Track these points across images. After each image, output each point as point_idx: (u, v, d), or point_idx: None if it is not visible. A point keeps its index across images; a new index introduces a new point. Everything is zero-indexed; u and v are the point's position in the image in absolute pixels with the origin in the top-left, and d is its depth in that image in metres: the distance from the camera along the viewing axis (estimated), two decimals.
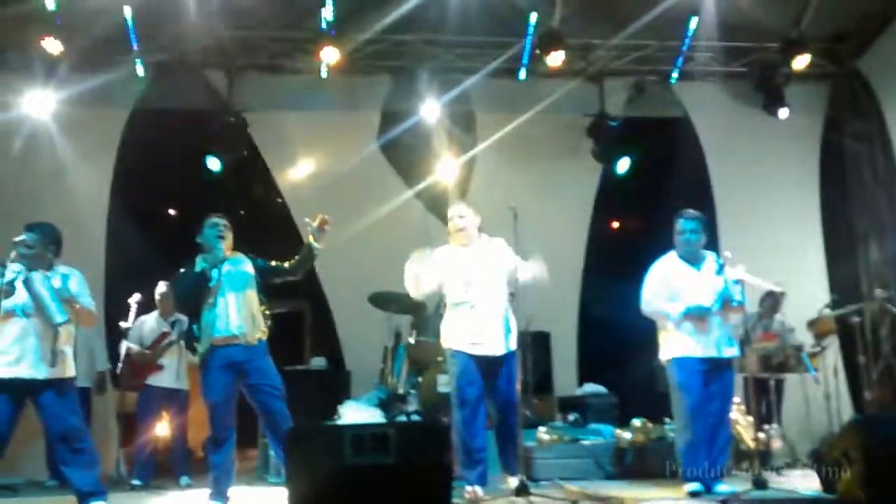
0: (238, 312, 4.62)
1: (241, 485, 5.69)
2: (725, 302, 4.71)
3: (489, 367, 4.77)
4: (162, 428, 6.85)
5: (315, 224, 4.80)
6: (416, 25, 7.51)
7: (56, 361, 4.38)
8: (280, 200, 8.37)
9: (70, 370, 4.54)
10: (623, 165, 8.35)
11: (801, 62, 7.76)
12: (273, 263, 4.93)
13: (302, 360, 8.30)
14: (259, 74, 8.21)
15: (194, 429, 7.06)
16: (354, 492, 3.45)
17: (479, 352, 4.75)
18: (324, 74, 7.79)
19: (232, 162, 7.95)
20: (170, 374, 6.75)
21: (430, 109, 7.95)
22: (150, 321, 6.92)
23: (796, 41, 7.73)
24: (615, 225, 9.93)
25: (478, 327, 4.76)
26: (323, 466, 3.49)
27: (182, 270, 4.79)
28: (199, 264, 4.69)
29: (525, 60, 7.90)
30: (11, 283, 4.32)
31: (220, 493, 4.57)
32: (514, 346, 4.80)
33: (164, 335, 6.83)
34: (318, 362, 7.71)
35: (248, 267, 4.79)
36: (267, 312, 4.78)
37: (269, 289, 4.90)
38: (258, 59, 8.10)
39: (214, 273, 4.66)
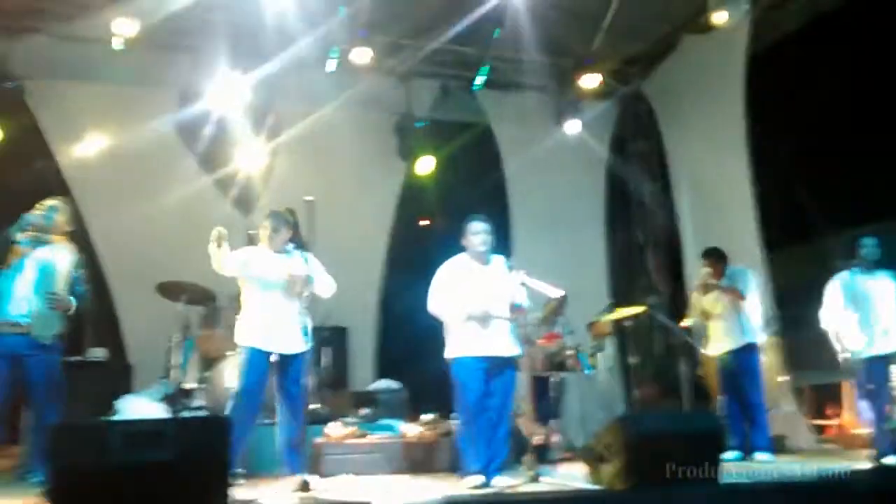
0: (32, 300, 4.25)
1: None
2: (510, 303, 4.92)
3: (279, 365, 4.81)
4: None
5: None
6: (222, 4, 7.22)
7: None
8: (60, 179, 7.73)
9: None
10: (424, 166, 8.52)
11: (590, 81, 8.28)
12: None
13: (79, 350, 7.72)
14: (44, 39, 7.52)
15: None
16: (125, 491, 3.23)
17: (270, 349, 4.80)
18: (117, 46, 7.27)
19: (5, 133, 7.27)
20: None
21: (233, 94, 7.66)
22: None
23: (588, 61, 8.24)
24: (417, 224, 10.09)
25: (272, 325, 4.82)
26: (89, 465, 3.25)
27: None
28: (9, 232, 4.37)
29: (333, 53, 7.80)
30: None
31: None
32: (306, 346, 4.79)
33: None
34: (96, 353, 7.20)
35: (66, 261, 4.47)
36: (68, 311, 4.43)
37: None
38: (43, 22, 7.42)
39: (25, 242, 4.35)
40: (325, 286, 5.09)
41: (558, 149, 9.11)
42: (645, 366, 8.98)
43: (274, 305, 4.85)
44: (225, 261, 4.75)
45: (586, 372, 7.03)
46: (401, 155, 8.66)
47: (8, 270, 4.34)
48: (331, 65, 7.76)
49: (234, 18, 7.53)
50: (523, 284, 4.95)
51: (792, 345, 7.49)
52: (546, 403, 6.66)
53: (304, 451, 4.81)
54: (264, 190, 8.32)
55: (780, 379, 7.29)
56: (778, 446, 6.47)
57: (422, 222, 9.62)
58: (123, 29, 7.01)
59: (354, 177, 8.55)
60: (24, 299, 4.31)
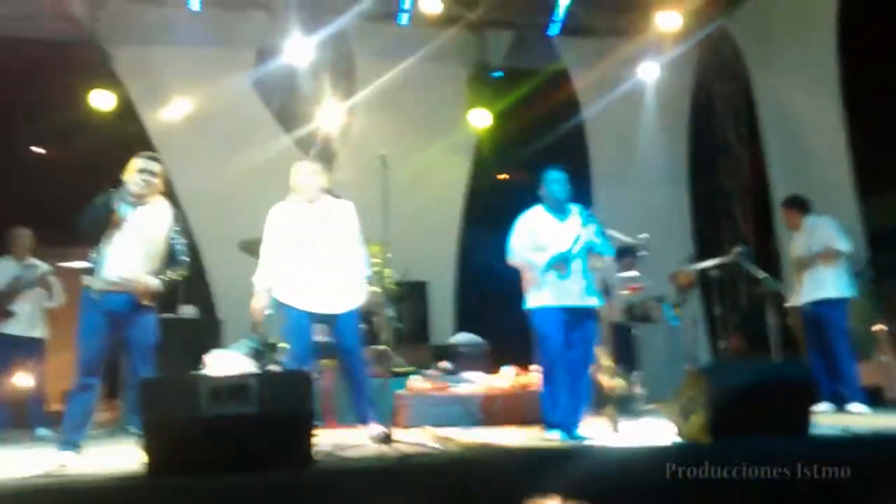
0: (131, 261, 4.38)
1: (101, 436, 5.52)
2: (590, 251, 4.84)
3: (322, 324, 4.79)
4: (18, 377, 6.50)
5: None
6: None
7: None
8: (147, 141, 7.96)
9: None
10: (500, 117, 8.40)
11: (671, 22, 7.95)
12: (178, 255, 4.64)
13: (172, 307, 8.02)
14: (125, 4, 7.71)
15: (55, 379, 6.74)
16: (213, 443, 3.35)
17: (310, 308, 4.73)
18: (194, 8, 7.38)
19: (95, 99, 7.52)
20: (23, 321, 6.43)
21: (306, 50, 7.69)
22: (4, 265, 6.54)
23: (672, 1, 7.91)
24: (495, 176, 10.01)
25: (311, 283, 4.72)
26: (179, 418, 3.37)
27: (96, 199, 4.46)
28: (109, 197, 4.41)
29: (403, 4, 7.73)
30: None
31: (71, 441, 4.36)
32: (351, 305, 4.79)
33: (18, 281, 6.46)
34: (187, 311, 7.47)
35: (164, 222, 4.52)
36: (172, 272, 4.54)
37: None
38: None
39: (123, 210, 4.39)
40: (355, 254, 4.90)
41: (639, 94, 8.86)
42: (731, 317, 8.77)
43: (312, 261, 4.75)
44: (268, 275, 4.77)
45: (671, 323, 6.88)
46: (476, 106, 8.56)
47: (110, 233, 4.43)
48: (403, 18, 7.67)
49: None
50: (603, 233, 4.86)
51: (889, 292, 7.16)
52: (628, 355, 6.57)
53: (374, 402, 4.81)
54: (342, 147, 8.37)
55: (875, 328, 6.99)
56: (874, 398, 6.23)
57: (499, 174, 9.54)
58: None
59: (430, 131, 8.51)
60: (125, 260, 4.42)
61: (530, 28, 8.60)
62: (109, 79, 7.61)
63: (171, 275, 4.54)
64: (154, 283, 4.43)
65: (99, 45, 7.52)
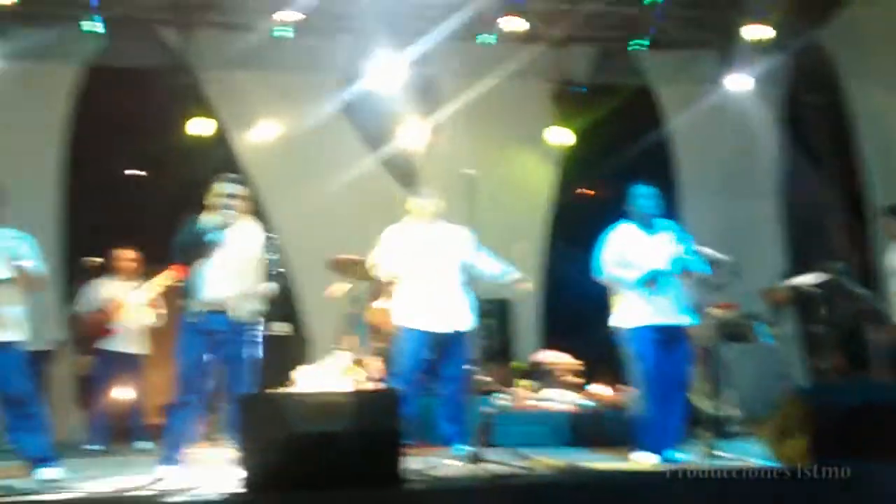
0: (227, 282, 4.52)
1: (199, 448, 5.66)
2: (684, 269, 4.73)
3: (438, 343, 4.83)
4: (120, 392, 6.77)
5: None
6: None
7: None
8: (238, 164, 8.20)
9: (15, 333, 4.45)
10: (569, 135, 8.32)
11: (762, 34, 7.76)
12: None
13: (264, 325, 8.21)
14: (214, 32, 7.98)
15: (154, 394, 6.98)
16: (307, 459, 3.41)
17: (431, 328, 4.82)
18: (281, 33, 7.60)
19: (187, 124, 7.81)
20: (125, 338, 6.67)
21: (394, 72, 7.81)
22: (108, 285, 6.83)
23: (758, 12, 7.72)
24: (580, 192, 9.91)
25: (430, 304, 4.83)
26: (274, 434, 3.45)
27: (186, 225, 4.63)
28: (202, 223, 4.56)
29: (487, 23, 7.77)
30: None
31: (169, 456, 4.50)
32: (465, 326, 4.81)
33: (121, 299, 6.74)
34: (280, 327, 7.64)
35: (255, 239, 4.66)
36: (267, 290, 4.67)
37: None
38: (212, 16, 7.86)
39: (213, 236, 4.53)
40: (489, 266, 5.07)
41: (727, 107, 8.63)
42: (829, 335, 8.40)
43: (432, 281, 4.85)
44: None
45: (767, 342, 6.66)
46: (560, 122, 8.52)
47: (206, 264, 4.56)
48: (486, 36, 7.71)
49: None
50: (696, 250, 4.75)
51: None
52: (721, 375, 6.38)
53: (467, 423, 4.83)
54: (426, 165, 8.44)
55: None
56: None
57: (584, 190, 9.44)
58: (287, 16, 7.29)
59: (514, 147, 8.52)
60: (221, 282, 4.55)
61: (613, 43, 8.51)
62: (201, 104, 7.88)
63: (266, 292, 4.66)
64: (260, 293, 4.55)
65: (191, 72, 7.79)
